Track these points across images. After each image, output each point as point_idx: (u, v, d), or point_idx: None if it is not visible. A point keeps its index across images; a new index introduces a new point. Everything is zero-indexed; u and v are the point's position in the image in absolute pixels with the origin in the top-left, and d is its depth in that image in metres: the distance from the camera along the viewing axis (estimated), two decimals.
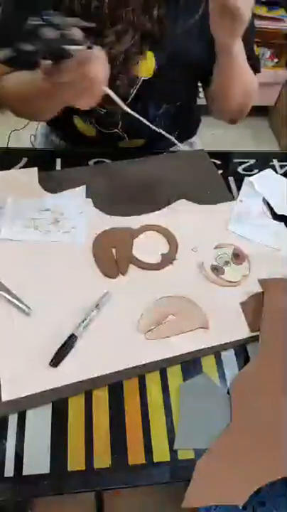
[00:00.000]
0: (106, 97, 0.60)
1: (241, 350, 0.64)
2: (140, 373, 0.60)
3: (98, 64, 0.52)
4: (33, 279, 0.67)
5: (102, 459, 0.53)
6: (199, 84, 0.89)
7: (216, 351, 0.63)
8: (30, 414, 0.55)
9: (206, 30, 0.66)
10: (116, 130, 0.78)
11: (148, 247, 0.73)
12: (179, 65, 0.75)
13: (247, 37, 0.75)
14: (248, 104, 0.85)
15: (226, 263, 0.73)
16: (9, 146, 0.97)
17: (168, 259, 0.72)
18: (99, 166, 0.84)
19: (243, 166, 0.91)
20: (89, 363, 0.59)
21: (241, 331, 0.65)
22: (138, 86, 0.74)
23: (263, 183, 0.86)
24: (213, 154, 0.91)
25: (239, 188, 0.86)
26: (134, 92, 0.74)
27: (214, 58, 0.73)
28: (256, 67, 0.82)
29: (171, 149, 0.94)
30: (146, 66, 0.72)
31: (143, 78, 0.74)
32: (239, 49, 0.70)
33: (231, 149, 0.98)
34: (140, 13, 0.62)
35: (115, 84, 0.69)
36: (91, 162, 0.86)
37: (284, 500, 0.81)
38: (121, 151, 0.89)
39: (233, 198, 0.84)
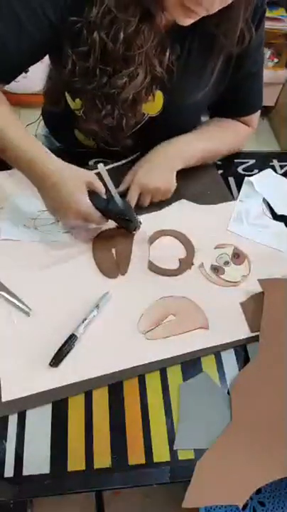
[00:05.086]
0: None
1: (241, 350, 0.64)
2: (140, 373, 0.60)
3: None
4: (33, 279, 0.67)
5: (102, 459, 0.53)
6: None
7: (216, 351, 0.63)
8: (30, 414, 0.55)
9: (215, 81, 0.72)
10: (117, 149, 0.78)
11: (165, 253, 0.72)
12: (185, 107, 0.76)
13: (255, 76, 0.79)
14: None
15: (226, 263, 0.73)
16: None
17: (186, 264, 0.71)
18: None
19: (243, 166, 0.91)
20: (89, 362, 0.59)
21: (241, 331, 0.65)
22: (143, 122, 0.76)
23: (263, 183, 0.86)
24: None
25: (239, 188, 0.86)
26: (139, 126, 0.76)
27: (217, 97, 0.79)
28: (254, 106, 0.85)
29: None
30: (153, 104, 0.73)
31: (149, 115, 0.75)
32: (198, 154, 0.79)
33: None
34: (152, 56, 0.63)
35: (121, 123, 0.71)
36: (91, 162, 0.86)
37: (284, 501, 0.81)
38: (121, 152, 0.89)
39: (233, 198, 0.84)
